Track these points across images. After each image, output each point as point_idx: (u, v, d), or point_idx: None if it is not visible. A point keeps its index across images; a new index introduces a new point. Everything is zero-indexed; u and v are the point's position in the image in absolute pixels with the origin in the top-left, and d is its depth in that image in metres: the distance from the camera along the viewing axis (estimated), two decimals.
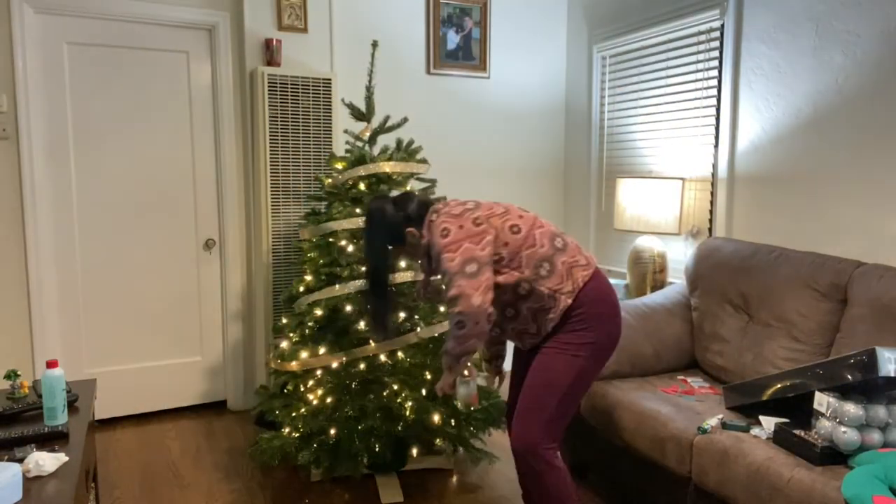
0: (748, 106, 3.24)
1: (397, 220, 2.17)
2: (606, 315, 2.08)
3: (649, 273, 3.47)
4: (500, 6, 4.30)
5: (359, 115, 3.08)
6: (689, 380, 2.79)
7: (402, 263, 2.82)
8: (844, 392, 1.94)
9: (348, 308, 2.80)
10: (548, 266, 2.04)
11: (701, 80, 3.50)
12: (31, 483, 1.58)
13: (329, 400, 2.73)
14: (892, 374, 1.79)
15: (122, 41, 3.48)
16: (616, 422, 2.55)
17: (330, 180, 3.01)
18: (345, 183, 2.96)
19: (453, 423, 2.82)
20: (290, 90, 3.56)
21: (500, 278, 2.04)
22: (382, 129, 3.06)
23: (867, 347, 1.93)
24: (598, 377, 2.16)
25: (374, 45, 3.08)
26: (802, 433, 2.01)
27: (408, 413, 2.69)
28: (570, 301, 2.03)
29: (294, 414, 2.78)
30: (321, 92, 3.64)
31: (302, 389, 2.83)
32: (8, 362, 3.35)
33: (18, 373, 2.17)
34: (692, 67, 3.56)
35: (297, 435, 2.75)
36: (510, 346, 3.65)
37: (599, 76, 4.24)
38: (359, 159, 2.93)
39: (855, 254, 2.79)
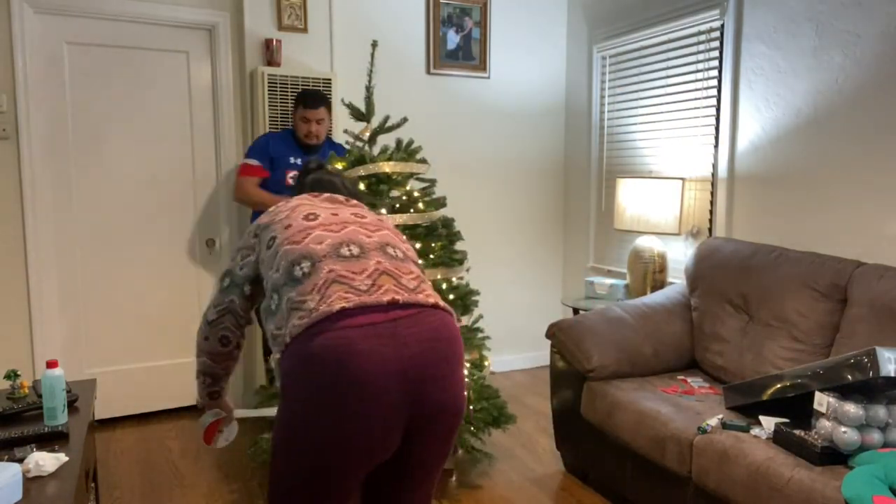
0: (748, 106, 3.24)
1: None
2: (302, 399, 1.33)
3: (649, 273, 3.47)
4: (500, 6, 4.30)
5: (359, 115, 3.08)
6: (689, 380, 2.79)
7: None
8: (844, 392, 1.94)
9: None
10: (276, 299, 1.47)
11: (701, 80, 3.50)
12: (31, 483, 1.58)
13: None
14: (892, 374, 1.78)
15: (122, 41, 3.48)
16: (616, 422, 2.55)
17: None
18: None
19: None
20: (290, 90, 3.56)
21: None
22: (382, 129, 3.06)
23: (867, 347, 1.93)
24: (304, 480, 1.37)
25: (374, 45, 3.08)
26: (802, 433, 2.01)
27: None
28: (278, 355, 1.41)
29: None
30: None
31: None
32: (8, 362, 3.35)
33: (18, 373, 2.16)
34: (692, 67, 3.55)
35: None
36: None
37: (599, 76, 4.24)
38: (358, 159, 2.93)
39: (855, 254, 2.79)
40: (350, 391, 1.29)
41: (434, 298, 1.46)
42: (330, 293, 1.37)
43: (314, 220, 1.55)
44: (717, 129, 3.42)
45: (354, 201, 1.75)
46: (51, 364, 1.91)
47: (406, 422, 1.38)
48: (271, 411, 2.11)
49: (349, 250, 1.47)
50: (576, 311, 3.67)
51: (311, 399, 1.32)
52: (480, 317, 3.06)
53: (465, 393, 1.48)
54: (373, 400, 1.30)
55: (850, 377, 1.87)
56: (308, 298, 1.38)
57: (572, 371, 2.85)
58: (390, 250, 1.53)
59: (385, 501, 1.52)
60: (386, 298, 1.37)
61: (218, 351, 1.75)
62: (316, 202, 1.67)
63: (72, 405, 2.10)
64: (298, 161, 3.42)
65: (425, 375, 1.36)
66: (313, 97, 3.34)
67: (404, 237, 1.72)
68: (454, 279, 2.96)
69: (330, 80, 3.65)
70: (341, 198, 1.74)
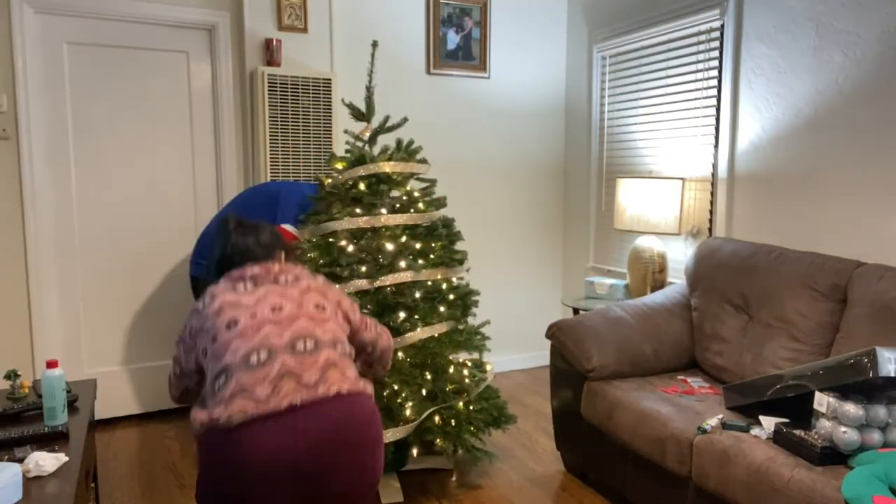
0: (748, 106, 3.24)
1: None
2: (208, 477, 1.53)
3: (649, 273, 3.47)
4: (500, 6, 4.30)
5: (359, 115, 3.08)
6: (689, 380, 2.79)
7: (402, 263, 2.82)
8: (844, 392, 1.94)
9: None
10: (224, 379, 1.56)
11: (701, 80, 3.50)
12: (31, 483, 1.58)
13: None
14: (892, 374, 1.79)
15: (122, 41, 3.48)
16: (616, 422, 2.55)
17: (330, 180, 3.01)
18: (345, 183, 2.96)
19: (453, 424, 2.82)
20: (290, 90, 3.56)
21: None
22: (382, 129, 3.06)
23: (867, 347, 1.93)
24: None
25: (374, 45, 3.08)
26: (802, 433, 2.01)
27: (408, 413, 2.69)
28: (204, 416, 1.56)
29: None
30: (321, 92, 3.64)
31: None
32: (8, 362, 3.35)
33: (18, 373, 2.17)
34: (692, 67, 3.55)
35: None
36: None
37: (599, 76, 4.24)
38: (359, 159, 2.93)
39: (855, 254, 2.79)
40: (239, 480, 1.48)
41: (338, 386, 1.58)
42: (233, 405, 1.50)
43: (234, 328, 1.61)
44: (717, 129, 3.42)
45: (277, 268, 1.75)
46: (51, 364, 1.92)
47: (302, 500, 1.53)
48: None
49: (257, 357, 1.56)
50: (576, 311, 3.67)
51: (213, 480, 1.51)
52: (475, 315, 3.06)
53: (377, 468, 1.63)
54: (256, 487, 1.48)
55: (850, 377, 1.87)
56: (217, 410, 1.51)
57: (572, 371, 2.85)
58: (300, 345, 1.61)
59: None
60: (284, 404, 1.51)
61: (190, 398, 1.87)
62: (238, 296, 1.68)
63: (72, 405, 2.10)
64: None
65: (319, 466, 1.52)
66: None
67: (330, 302, 1.77)
68: (454, 279, 2.96)
69: (330, 80, 3.65)
70: (262, 272, 1.74)
